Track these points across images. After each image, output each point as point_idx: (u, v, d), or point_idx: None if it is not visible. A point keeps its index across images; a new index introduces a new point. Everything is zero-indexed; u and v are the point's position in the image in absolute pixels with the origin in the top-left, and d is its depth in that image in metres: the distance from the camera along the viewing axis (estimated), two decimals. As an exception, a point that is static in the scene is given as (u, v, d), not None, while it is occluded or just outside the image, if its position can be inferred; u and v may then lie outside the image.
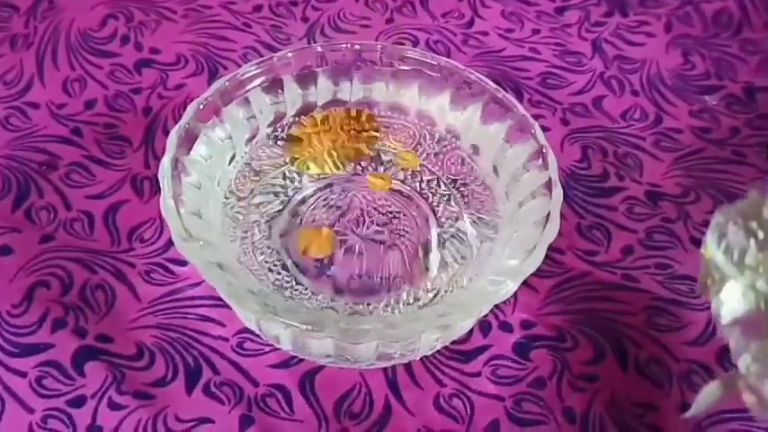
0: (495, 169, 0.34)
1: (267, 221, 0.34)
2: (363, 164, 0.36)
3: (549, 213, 0.30)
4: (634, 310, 0.34)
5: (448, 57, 0.38)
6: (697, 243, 0.36)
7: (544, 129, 0.34)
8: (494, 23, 0.44)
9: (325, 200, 0.35)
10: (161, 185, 0.30)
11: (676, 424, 0.31)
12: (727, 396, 0.23)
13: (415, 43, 0.43)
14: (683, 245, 0.36)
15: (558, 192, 0.31)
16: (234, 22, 0.43)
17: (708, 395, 0.24)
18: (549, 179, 0.31)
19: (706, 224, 0.37)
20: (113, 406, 0.31)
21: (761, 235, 0.22)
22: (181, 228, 0.29)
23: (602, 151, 0.39)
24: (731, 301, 0.23)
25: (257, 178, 0.35)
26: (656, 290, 0.35)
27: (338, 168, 0.35)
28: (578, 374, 0.32)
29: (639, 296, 0.35)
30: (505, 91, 0.34)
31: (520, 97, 0.41)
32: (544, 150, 0.32)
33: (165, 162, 0.30)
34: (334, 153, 0.35)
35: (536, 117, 0.35)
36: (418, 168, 0.36)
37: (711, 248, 0.23)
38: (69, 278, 0.34)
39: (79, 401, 0.31)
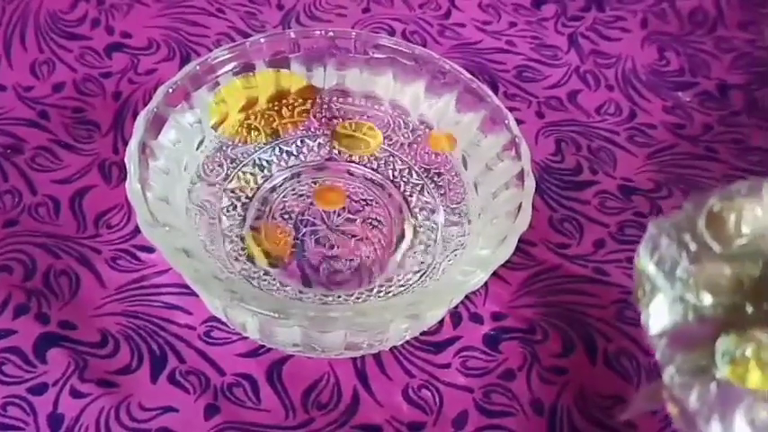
0: (464, 160, 0.34)
1: (236, 208, 0.34)
2: (336, 152, 0.36)
3: (520, 204, 0.30)
4: (604, 303, 0.34)
5: (424, 48, 0.37)
6: (668, 238, 0.36)
7: (519, 122, 0.34)
8: (470, 15, 0.44)
9: (293, 190, 0.35)
10: (127, 170, 0.29)
11: (644, 417, 0.31)
12: (654, 405, 0.23)
13: (392, 33, 0.43)
14: (655, 239, 0.36)
15: (530, 182, 0.31)
16: (208, 8, 0.43)
17: (639, 402, 0.24)
18: (522, 170, 0.31)
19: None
20: (75, 394, 0.30)
21: (693, 248, 0.22)
22: (147, 213, 0.28)
23: (576, 145, 0.39)
24: (660, 313, 0.23)
25: (232, 164, 0.34)
26: (627, 283, 0.35)
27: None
28: (548, 367, 0.32)
29: (610, 290, 0.35)
30: (481, 83, 0.34)
31: (495, 90, 0.41)
32: (517, 141, 0.32)
33: (132, 146, 0.30)
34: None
35: (511, 110, 0.35)
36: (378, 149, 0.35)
37: (644, 260, 0.23)
38: (32, 263, 0.33)
39: (40, 389, 0.30)
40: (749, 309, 0.21)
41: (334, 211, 0.34)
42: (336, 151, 0.36)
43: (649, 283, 0.23)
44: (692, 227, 0.23)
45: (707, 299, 0.22)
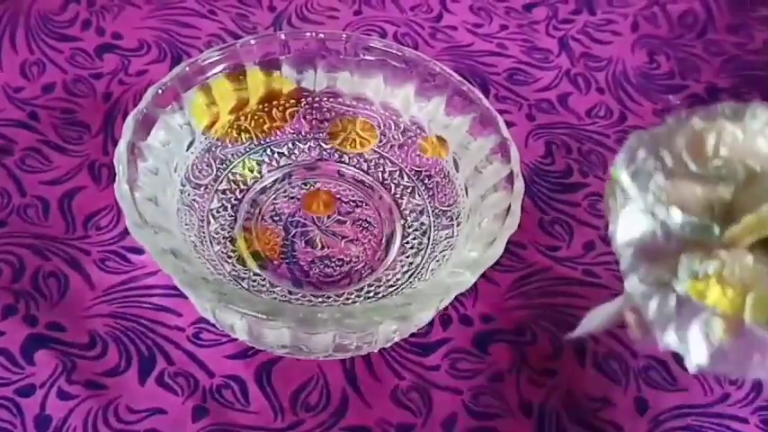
0: (454, 162, 0.34)
1: (227, 210, 0.34)
2: (326, 153, 0.36)
3: (509, 206, 0.30)
4: (594, 305, 0.34)
5: (415, 50, 0.37)
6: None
7: (509, 124, 0.34)
8: (462, 18, 0.44)
9: (284, 192, 0.35)
10: (116, 170, 0.29)
11: (632, 419, 0.31)
12: (614, 318, 0.23)
13: (383, 36, 0.43)
14: (644, 242, 0.36)
15: (519, 185, 0.31)
16: (199, 10, 0.43)
17: (596, 316, 0.24)
18: (511, 172, 0.31)
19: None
20: (63, 395, 0.30)
21: (669, 163, 0.22)
22: (135, 213, 0.28)
23: (567, 147, 0.39)
24: (629, 223, 0.22)
25: (222, 165, 0.34)
26: (616, 286, 0.35)
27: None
28: (537, 369, 0.32)
29: (599, 292, 0.35)
30: (472, 85, 0.34)
31: (486, 92, 0.41)
32: (507, 143, 0.32)
33: (122, 146, 0.30)
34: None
35: (502, 112, 0.35)
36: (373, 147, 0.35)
37: (619, 170, 0.23)
38: (21, 264, 0.33)
39: (28, 390, 0.30)
40: (716, 230, 0.21)
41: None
42: (326, 153, 0.36)
43: (622, 194, 0.22)
44: (671, 143, 0.22)
45: (677, 216, 0.22)
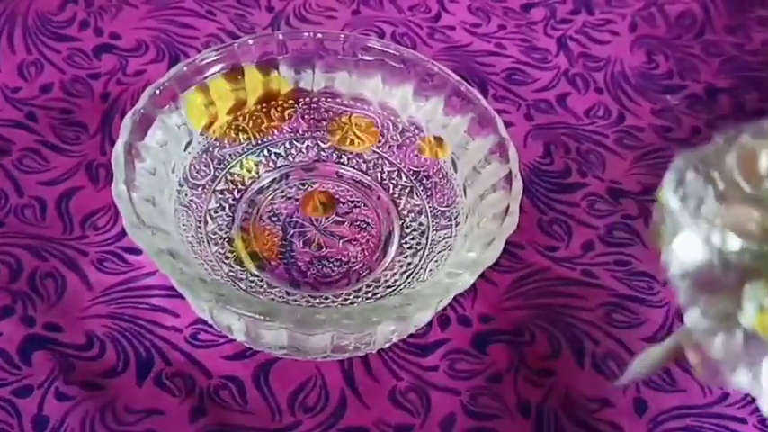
0: (453, 162, 0.34)
1: (224, 210, 0.34)
2: (324, 154, 0.36)
3: (508, 206, 0.30)
4: (592, 305, 0.34)
5: (414, 50, 0.37)
6: (656, 240, 0.37)
7: (508, 124, 0.34)
8: (460, 18, 0.44)
9: (282, 192, 0.35)
10: (113, 170, 0.29)
11: (631, 420, 0.31)
12: (669, 359, 0.22)
13: (381, 36, 0.43)
14: (643, 242, 0.36)
15: (517, 185, 0.31)
16: (197, 10, 0.43)
17: (646, 359, 0.23)
18: (510, 172, 0.31)
19: (665, 222, 0.37)
20: (60, 396, 0.30)
21: (720, 185, 0.20)
22: (132, 214, 0.28)
23: (565, 147, 0.39)
24: (683, 253, 0.21)
25: (220, 166, 0.34)
26: (615, 286, 0.35)
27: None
28: (535, 369, 0.32)
29: (598, 292, 0.35)
30: (470, 85, 0.34)
31: (485, 92, 0.41)
32: (505, 143, 0.32)
33: (119, 146, 0.30)
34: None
35: (500, 112, 0.35)
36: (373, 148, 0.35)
37: (667, 194, 0.21)
38: (18, 265, 0.33)
39: (25, 391, 0.30)
40: None
41: (323, 213, 0.34)
42: (325, 153, 0.36)
43: (672, 220, 0.21)
44: (721, 163, 0.21)
45: (734, 243, 0.20)
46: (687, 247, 0.21)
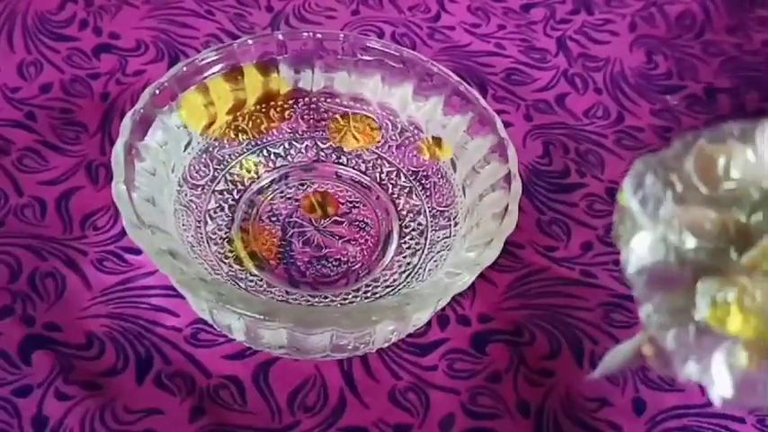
0: (452, 162, 0.34)
1: (224, 210, 0.34)
2: (323, 154, 0.36)
3: (507, 206, 0.30)
4: (591, 305, 0.34)
5: (413, 50, 0.37)
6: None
7: (507, 124, 0.34)
8: (460, 18, 0.44)
9: (281, 192, 0.35)
10: (113, 170, 0.29)
11: (630, 420, 0.31)
12: (638, 355, 0.22)
13: (381, 36, 0.43)
14: (642, 242, 0.36)
15: (516, 185, 0.31)
16: (197, 10, 0.43)
17: (617, 355, 0.23)
18: (509, 172, 0.31)
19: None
20: (60, 396, 0.30)
21: (679, 188, 0.21)
22: (132, 214, 0.28)
23: (564, 148, 0.39)
24: (640, 251, 0.21)
25: (219, 166, 0.34)
26: (614, 286, 0.35)
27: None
28: (534, 369, 0.32)
29: (597, 292, 0.35)
30: (469, 85, 0.34)
31: (484, 92, 0.41)
32: (504, 143, 0.32)
33: (118, 146, 0.30)
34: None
35: (499, 113, 0.35)
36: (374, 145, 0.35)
37: (627, 196, 0.22)
38: (18, 265, 0.33)
39: (25, 391, 0.30)
40: (733, 255, 0.20)
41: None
42: (324, 153, 0.36)
43: (631, 221, 0.22)
44: (680, 166, 0.21)
45: (690, 241, 0.21)
46: (645, 245, 0.21)
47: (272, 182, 0.35)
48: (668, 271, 0.21)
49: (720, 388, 0.20)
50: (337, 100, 0.36)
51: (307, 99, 0.36)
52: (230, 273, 0.32)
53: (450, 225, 0.33)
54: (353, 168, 0.36)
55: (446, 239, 0.33)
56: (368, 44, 0.35)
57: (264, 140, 0.35)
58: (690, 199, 0.21)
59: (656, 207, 0.21)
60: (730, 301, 0.20)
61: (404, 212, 0.35)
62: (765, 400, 0.20)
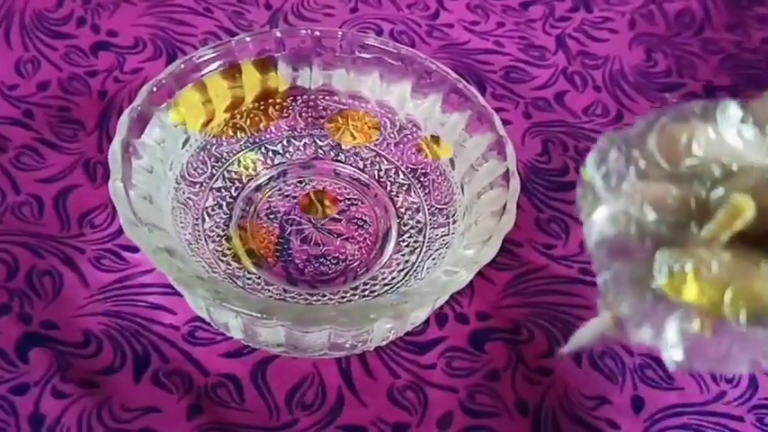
0: (450, 160, 0.34)
1: (222, 208, 0.33)
2: (321, 152, 0.36)
3: (505, 204, 0.30)
4: (590, 304, 0.34)
5: (412, 48, 0.37)
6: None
7: (506, 122, 0.34)
8: (459, 16, 0.44)
9: (279, 190, 0.34)
10: (110, 168, 0.29)
11: (629, 418, 0.31)
12: (609, 330, 0.23)
13: (379, 33, 0.43)
14: (641, 240, 0.36)
15: (515, 182, 0.30)
16: (195, 7, 0.43)
17: (586, 332, 0.24)
18: (507, 170, 0.31)
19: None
20: (57, 394, 0.30)
21: (641, 164, 0.21)
22: (130, 211, 0.28)
23: (563, 145, 0.39)
24: (601, 223, 0.22)
25: (217, 163, 0.34)
26: (613, 284, 0.35)
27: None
28: (533, 367, 0.32)
29: (596, 290, 0.35)
30: (468, 83, 0.34)
31: (483, 90, 0.41)
32: (503, 141, 0.32)
33: (116, 144, 0.30)
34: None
35: (498, 110, 0.35)
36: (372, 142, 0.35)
37: (590, 171, 0.22)
38: (15, 263, 0.33)
39: (22, 389, 0.30)
40: (694, 229, 0.21)
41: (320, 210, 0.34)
42: (322, 151, 0.36)
43: (593, 195, 0.22)
44: (643, 143, 0.22)
45: (651, 215, 0.21)
46: (606, 218, 0.22)
47: (270, 179, 0.35)
48: (628, 242, 0.21)
49: (673, 352, 0.20)
50: (335, 98, 0.36)
51: (305, 97, 0.36)
52: (228, 270, 0.32)
53: (448, 223, 0.33)
54: (352, 166, 0.36)
55: (444, 237, 0.32)
56: (366, 42, 0.34)
57: (263, 138, 0.35)
58: (652, 175, 0.22)
59: (619, 182, 0.22)
60: (687, 271, 0.20)
61: (402, 210, 0.35)
62: (716, 365, 0.20)
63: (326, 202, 0.34)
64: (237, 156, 0.35)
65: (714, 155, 0.21)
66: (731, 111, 0.21)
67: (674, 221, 0.21)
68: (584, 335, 0.24)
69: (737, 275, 0.20)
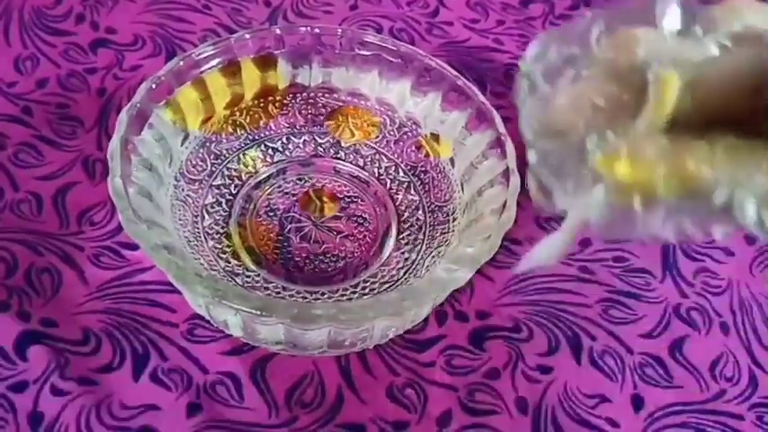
0: (451, 158, 0.34)
1: (221, 205, 0.33)
2: (321, 149, 0.36)
3: (505, 202, 0.30)
4: (589, 302, 0.34)
5: (412, 45, 0.37)
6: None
7: (506, 120, 0.34)
8: (458, 13, 0.44)
9: (279, 187, 0.34)
10: (109, 165, 0.29)
11: (628, 416, 0.31)
12: (570, 243, 0.23)
13: (379, 31, 0.43)
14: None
15: (515, 180, 0.30)
16: (194, 4, 0.42)
17: (544, 248, 0.24)
18: (507, 168, 0.31)
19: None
20: (56, 392, 0.30)
21: (580, 61, 0.22)
22: (129, 209, 0.28)
23: (563, 144, 0.39)
24: (534, 107, 0.22)
25: (217, 161, 0.34)
26: (612, 282, 0.35)
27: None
28: (532, 366, 0.32)
29: (595, 288, 0.35)
30: (468, 81, 0.34)
31: (483, 88, 0.41)
32: (503, 139, 0.32)
33: (115, 141, 0.29)
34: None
35: (498, 108, 0.35)
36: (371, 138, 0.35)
37: (529, 65, 0.23)
38: (14, 260, 0.33)
39: (21, 386, 0.30)
40: (629, 120, 0.21)
41: (320, 207, 0.34)
42: (322, 148, 0.36)
43: (532, 86, 0.23)
44: (584, 41, 0.22)
45: (588, 107, 0.21)
46: (542, 104, 0.22)
47: (269, 176, 0.35)
48: (563, 125, 0.22)
49: (585, 210, 0.21)
50: (335, 95, 0.36)
51: (305, 94, 0.35)
52: (227, 268, 0.32)
53: (448, 221, 0.33)
54: (351, 163, 0.36)
55: (444, 235, 0.32)
56: (366, 39, 0.34)
57: (262, 135, 0.35)
58: (591, 72, 0.22)
59: (556, 77, 0.22)
60: (621, 150, 0.21)
61: (402, 208, 0.34)
62: (642, 234, 0.21)
63: (326, 200, 0.34)
64: (237, 153, 0.35)
65: (654, 55, 0.21)
66: (669, 11, 0.21)
67: (610, 114, 0.21)
68: (538, 253, 0.24)
69: (671, 156, 0.20)
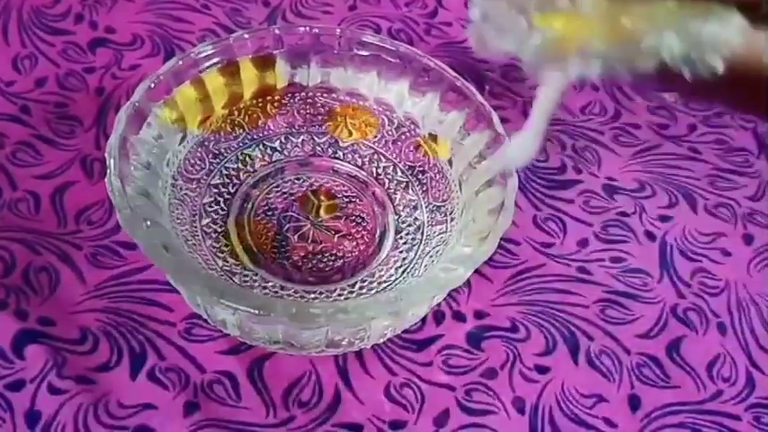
0: (449, 160, 0.34)
1: (219, 204, 0.33)
2: (319, 149, 0.36)
3: (503, 202, 0.30)
4: (587, 302, 0.34)
5: (410, 46, 0.37)
6: (652, 237, 0.37)
7: (504, 120, 0.34)
8: (457, 14, 0.44)
9: (277, 186, 0.34)
10: (107, 164, 0.29)
11: (625, 416, 0.31)
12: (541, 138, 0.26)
13: (378, 31, 0.43)
14: (638, 238, 0.36)
15: (513, 181, 0.30)
16: (193, 4, 0.42)
17: (522, 143, 0.26)
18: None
19: (661, 218, 0.37)
20: (53, 390, 0.30)
21: None
22: (127, 208, 0.28)
23: (561, 144, 0.39)
24: None
25: (215, 160, 0.34)
26: (610, 282, 0.35)
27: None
28: (530, 365, 0.32)
29: (593, 288, 0.35)
30: (466, 81, 0.34)
31: (481, 89, 0.41)
32: (501, 139, 0.32)
33: (113, 140, 0.29)
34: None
35: (497, 109, 0.35)
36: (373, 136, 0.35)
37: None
38: (12, 259, 0.33)
39: (18, 385, 0.30)
40: None
41: (319, 207, 0.34)
42: (320, 148, 0.36)
43: None
44: None
45: None
46: None
47: (267, 176, 0.35)
48: None
49: (528, 57, 0.23)
50: (334, 95, 0.36)
51: (303, 94, 0.36)
52: (225, 267, 0.32)
53: (446, 220, 0.33)
54: (350, 163, 0.36)
55: (442, 235, 0.32)
56: (364, 39, 0.34)
57: (261, 135, 0.35)
58: None
59: None
60: (561, 6, 0.22)
61: (400, 207, 0.35)
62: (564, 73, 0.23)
63: (324, 199, 0.34)
64: (235, 152, 0.35)
65: None
66: None
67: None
68: (510, 151, 0.26)
69: (607, 12, 0.22)
